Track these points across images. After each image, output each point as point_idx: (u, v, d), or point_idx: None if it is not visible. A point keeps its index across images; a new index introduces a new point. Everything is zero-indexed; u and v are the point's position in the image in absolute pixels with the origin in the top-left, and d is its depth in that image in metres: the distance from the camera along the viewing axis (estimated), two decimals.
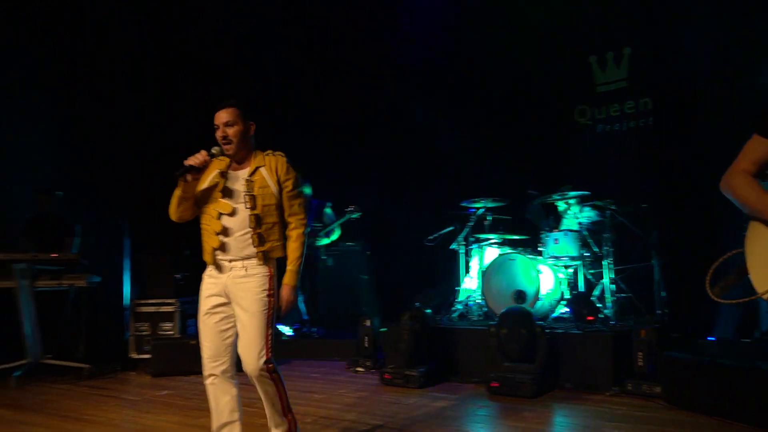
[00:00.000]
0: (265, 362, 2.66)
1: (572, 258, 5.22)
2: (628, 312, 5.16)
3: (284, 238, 2.81)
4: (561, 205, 5.65)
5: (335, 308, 6.95)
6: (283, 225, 2.82)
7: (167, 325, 6.11)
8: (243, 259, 2.71)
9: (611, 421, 3.62)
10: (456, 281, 5.93)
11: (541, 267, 5.28)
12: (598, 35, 6.65)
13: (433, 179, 7.18)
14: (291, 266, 2.77)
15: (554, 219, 5.63)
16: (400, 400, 4.25)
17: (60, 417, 3.99)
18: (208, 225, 2.75)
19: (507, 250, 5.60)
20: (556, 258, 5.26)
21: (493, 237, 5.75)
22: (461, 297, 5.78)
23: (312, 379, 5.18)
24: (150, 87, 7.48)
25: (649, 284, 5.20)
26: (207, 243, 2.76)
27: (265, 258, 2.72)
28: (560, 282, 5.33)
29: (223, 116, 2.74)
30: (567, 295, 5.32)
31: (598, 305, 5.04)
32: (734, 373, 3.63)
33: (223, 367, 2.73)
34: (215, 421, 2.76)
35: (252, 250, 2.71)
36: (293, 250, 2.79)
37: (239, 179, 2.77)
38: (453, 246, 5.89)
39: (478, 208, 5.81)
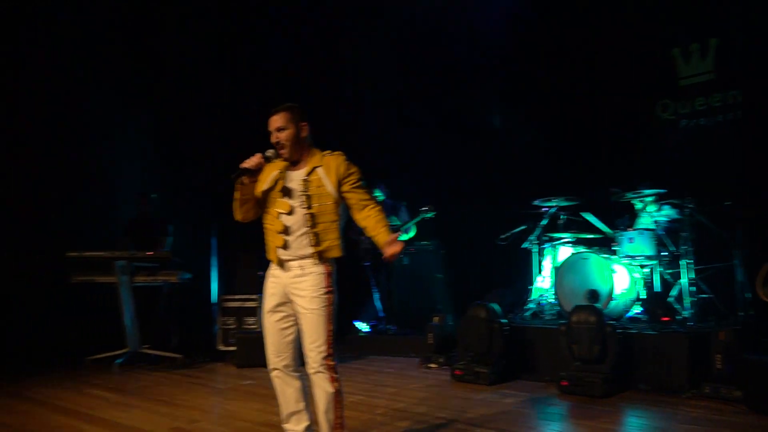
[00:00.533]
0: (325, 358, 2.74)
1: (648, 257, 5.11)
2: (708, 313, 4.99)
3: (341, 238, 2.86)
4: (637, 204, 5.53)
5: (410, 306, 7.09)
6: (341, 224, 2.87)
7: (251, 320, 6.48)
8: (300, 258, 2.80)
9: (686, 423, 3.56)
10: (529, 280, 5.94)
11: (616, 266, 5.21)
12: (682, 27, 6.43)
13: (506, 178, 7.18)
14: (383, 229, 2.80)
15: (629, 217, 5.52)
16: (470, 396, 4.35)
17: (155, 401, 4.37)
18: (271, 225, 2.87)
19: (581, 249, 5.55)
20: (631, 257, 5.17)
21: (566, 236, 5.71)
22: (534, 296, 5.78)
23: (385, 373, 5.36)
24: (232, 95, 7.90)
25: (731, 285, 5.01)
26: (270, 242, 2.88)
27: (320, 257, 2.79)
28: (636, 282, 5.23)
29: (275, 121, 2.84)
30: (643, 296, 5.21)
31: (675, 306, 4.92)
32: None
33: (285, 362, 2.87)
34: (283, 411, 2.92)
35: (309, 249, 2.79)
36: (378, 220, 2.82)
37: (296, 179, 2.85)
38: (525, 245, 5.89)
39: (550, 207, 5.78)
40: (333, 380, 2.77)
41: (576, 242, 5.73)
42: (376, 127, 8.19)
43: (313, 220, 2.79)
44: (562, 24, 6.99)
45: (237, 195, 2.89)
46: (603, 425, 3.57)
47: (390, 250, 2.75)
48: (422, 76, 8.06)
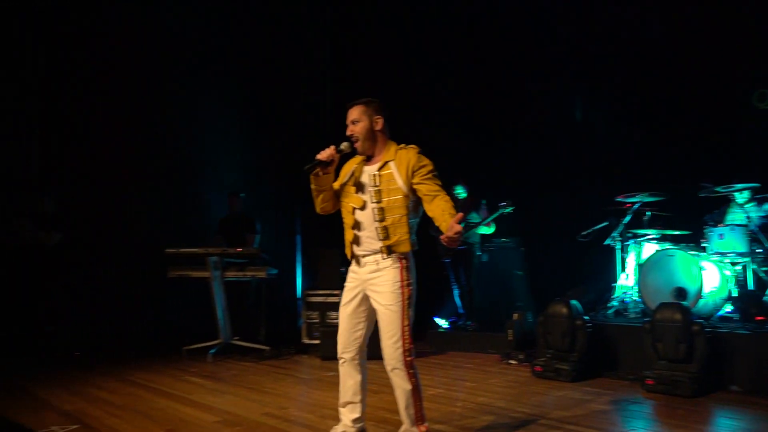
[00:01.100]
0: (402, 353, 2.78)
1: (740, 254, 4.91)
2: None
3: (412, 232, 2.86)
4: (738, 198, 5.29)
5: (490, 303, 7.10)
6: (412, 219, 2.88)
7: (333, 314, 6.67)
8: (373, 253, 2.86)
9: None
10: (612, 278, 5.82)
11: (705, 264, 5.03)
12: None
13: (588, 173, 7.05)
14: (448, 216, 2.71)
15: (719, 213, 5.30)
16: (551, 392, 4.34)
17: (247, 388, 4.63)
18: (345, 219, 2.96)
19: (667, 246, 5.39)
20: (722, 254, 4.98)
21: (651, 232, 5.56)
22: (617, 294, 5.66)
23: (465, 368, 5.41)
24: (324, 96, 8.15)
25: None
26: (345, 237, 2.97)
27: (389, 251, 2.82)
28: (727, 280, 5.03)
29: (350, 114, 2.92)
30: (735, 294, 5.00)
31: None
32: None
33: (351, 355, 2.97)
34: (341, 398, 3.04)
35: (378, 244, 2.83)
36: (445, 209, 2.75)
37: (369, 173, 2.90)
38: (607, 242, 5.78)
39: (634, 203, 5.64)
40: (410, 376, 2.81)
41: (661, 239, 5.56)
42: (455, 123, 8.25)
43: (382, 214, 2.83)
44: (647, 11, 6.78)
45: (312, 186, 2.98)
46: (691, 425, 3.48)
47: (448, 233, 2.65)
48: (498, 68, 8.03)
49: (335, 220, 3.08)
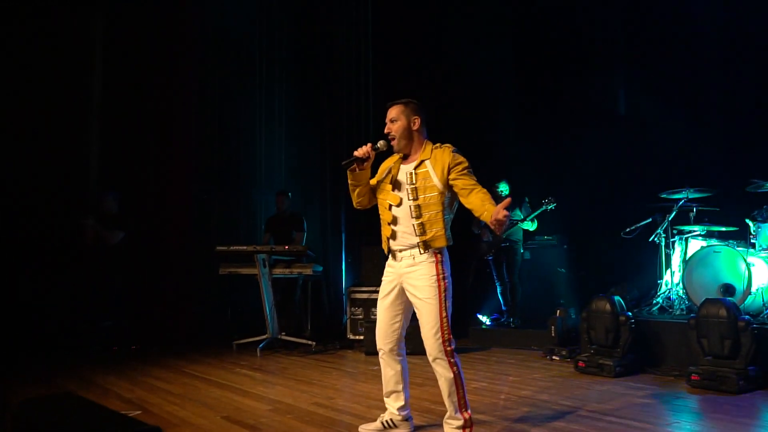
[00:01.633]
0: (442, 343, 2.88)
1: None
2: None
3: (447, 228, 2.97)
4: None
5: (533, 300, 7.13)
6: (447, 216, 2.99)
7: (377, 310, 6.83)
8: (410, 248, 2.97)
9: None
10: (657, 275, 5.79)
11: (753, 259, 4.97)
12: None
13: (633, 169, 7.00)
14: (489, 205, 2.80)
15: (767, 209, 5.22)
16: (593, 387, 4.37)
17: (294, 380, 4.81)
18: (382, 216, 3.11)
19: (713, 242, 5.34)
20: None
21: (697, 229, 5.51)
22: (662, 291, 5.63)
23: (507, 363, 5.48)
24: (362, 99, 8.31)
25: None
26: (382, 233, 3.11)
27: (426, 247, 2.93)
28: None
29: (389, 113, 3.08)
30: None
31: None
32: None
33: (390, 347, 3.11)
34: (384, 389, 3.20)
35: (415, 239, 2.95)
36: (484, 200, 2.84)
37: (405, 171, 3.04)
38: (652, 238, 5.75)
39: (679, 199, 5.60)
40: (452, 365, 2.92)
41: (708, 235, 5.51)
42: (498, 121, 8.30)
43: (419, 210, 2.95)
44: (691, 3, 6.69)
45: (349, 181, 3.14)
46: (737, 419, 3.48)
47: (495, 218, 2.71)
48: (541, 62, 8.04)
49: (378, 219, 3.20)
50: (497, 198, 6.89)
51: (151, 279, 7.15)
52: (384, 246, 3.15)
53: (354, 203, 3.26)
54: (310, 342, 6.36)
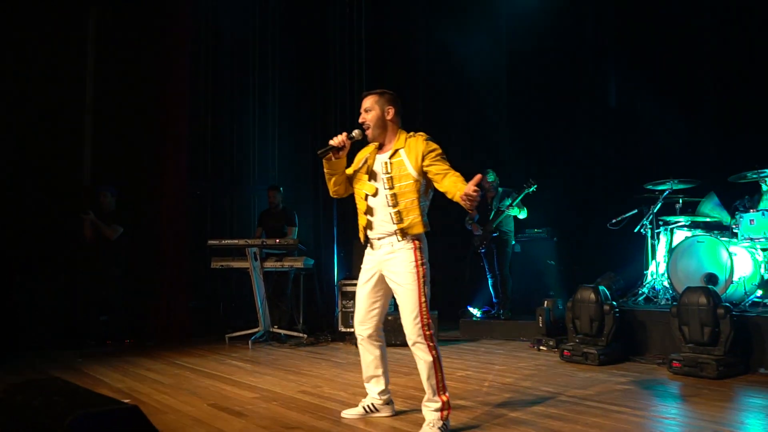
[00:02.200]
0: (421, 327, 2.94)
1: None
2: None
3: (423, 215, 3.02)
4: (765, 185, 5.28)
5: (523, 292, 7.21)
6: (423, 203, 3.04)
7: None
8: (388, 236, 3.03)
9: None
10: (643, 265, 5.86)
11: (736, 249, 5.04)
12: None
13: (622, 161, 7.07)
14: (461, 185, 2.82)
15: (750, 199, 5.29)
16: (577, 374, 4.44)
17: (284, 370, 4.88)
18: (358, 205, 3.17)
19: (698, 232, 5.41)
20: (752, 239, 4.98)
21: (682, 219, 5.58)
22: (647, 281, 5.70)
23: (496, 354, 5.55)
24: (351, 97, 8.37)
25: None
26: (359, 222, 3.18)
27: (403, 234, 2.99)
28: (759, 265, 5.03)
29: (363, 103, 3.15)
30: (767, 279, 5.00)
31: None
32: None
33: (368, 332, 3.20)
34: (364, 374, 3.29)
35: (392, 227, 3.01)
36: (456, 181, 2.87)
37: (381, 161, 3.09)
38: (637, 229, 5.82)
39: (664, 190, 5.67)
40: (431, 349, 2.98)
41: (692, 225, 5.58)
42: (487, 113, 8.37)
43: (395, 199, 3.02)
44: None
45: (325, 170, 3.20)
46: (716, 404, 3.54)
47: (465, 193, 2.73)
48: (533, 53, 8.10)
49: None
50: (486, 190, 6.98)
51: (146, 273, 7.21)
52: (361, 235, 3.21)
53: (330, 192, 3.33)
54: (301, 334, 6.44)
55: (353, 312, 6.70)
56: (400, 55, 8.56)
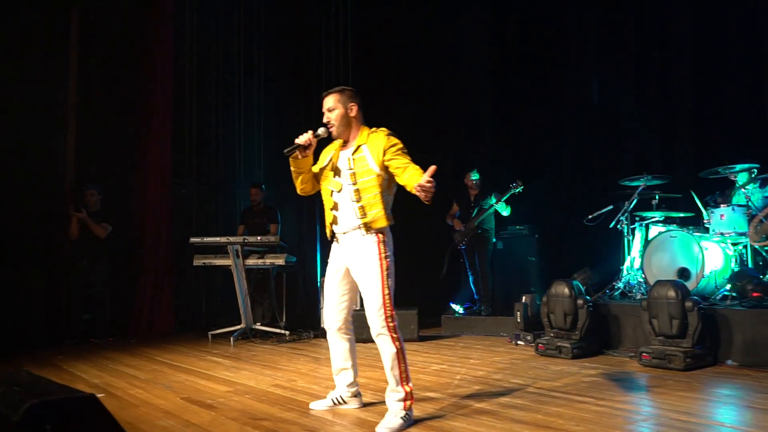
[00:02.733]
0: (385, 319, 2.99)
1: (740, 234, 4.98)
2: None
3: (387, 209, 3.07)
4: (740, 180, 5.35)
5: (505, 289, 7.27)
6: (386, 197, 3.09)
7: None
8: (352, 230, 3.09)
9: (761, 393, 3.53)
10: (620, 260, 5.93)
11: (707, 244, 5.11)
12: None
13: (601, 159, 7.15)
14: (418, 176, 2.82)
15: (720, 194, 5.36)
16: (548, 367, 4.51)
17: (261, 365, 4.93)
18: (325, 202, 3.23)
19: (672, 228, 5.48)
20: (723, 234, 5.06)
21: (656, 215, 5.66)
22: (624, 276, 5.77)
23: (473, 349, 5.61)
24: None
25: None
26: (325, 218, 3.24)
27: (367, 228, 3.05)
28: (729, 259, 5.10)
29: (325, 102, 3.19)
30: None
31: None
32: None
33: (337, 325, 3.26)
34: (333, 366, 3.36)
35: (357, 221, 3.07)
36: (414, 174, 2.89)
37: (344, 158, 3.16)
38: (612, 224, 5.89)
39: (638, 187, 5.74)
40: (394, 340, 3.04)
41: (667, 221, 5.65)
42: (471, 113, 8.44)
43: (358, 194, 3.08)
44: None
45: (292, 168, 3.26)
46: (678, 393, 3.60)
47: (419, 184, 2.77)
48: (517, 52, 8.17)
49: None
50: (469, 188, 7.05)
51: (130, 272, 7.25)
52: (327, 231, 3.27)
53: (298, 190, 3.38)
54: (283, 331, 6.48)
55: None
56: (385, 54, 8.61)
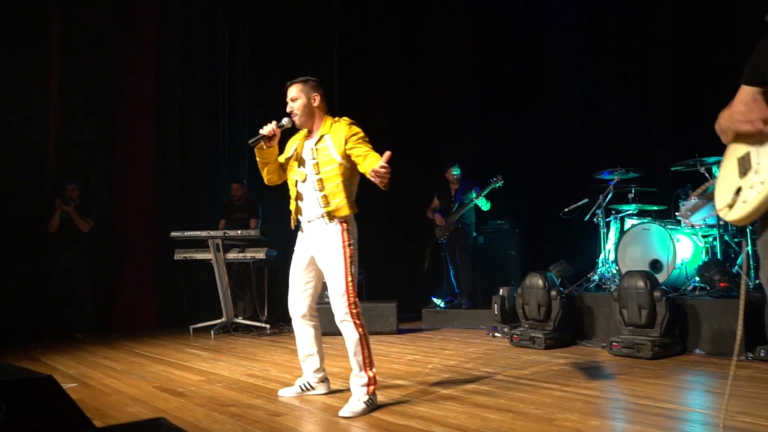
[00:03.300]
0: (348, 306, 3.04)
1: (710, 226, 5.06)
2: None
3: (350, 198, 3.12)
4: (713, 172, 5.43)
5: (486, 282, 7.33)
6: (349, 186, 3.13)
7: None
8: (316, 219, 3.14)
9: (734, 380, 3.59)
10: (596, 253, 6.00)
11: (679, 236, 5.19)
12: None
13: (578, 153, 7.22)
14: (375, 163, 2.88)
15: (691, 187, 5.43)
16: (520, 357, 4.57)
17: (238, 357, 4.97)
18: (290, 192, 3.28)
19: (645, 220, 5.55)
20: (693, 226, 5.13)
21: (630, 208, 5.73)
22: (599, 268, 5.84)
23: (450, 340, 5.67)
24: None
25: None
26: (291, 208, 3.28)
27: (331, 217, 3.09)
28: (700, 251, 5.18)
29: (289, 92, 3.24)
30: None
31: (738, 272, 4.84)
32: None
33: (302, 312, 3.32)
34: (300, 353, 3.41)
35: (320, 210, 3.11)
36: (372, 161, 2.94)
37: (308, 148, 3.20)
38: (587, 218, 5.96)
39: (612, 180, 5.81)
40: (357, 326, 3.09)
41: (640, 214, 5.73)
42: (453, 108, 8.50)
43: (321, 184, 3.12)
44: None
45: (258, 159, 3.30)
46: (642, 380, 3.66)
47: (373, 170, 2.83)
48: (499, 48, 8.23)
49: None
50: (450, 183, 7.11)
51: (112, 266, 7.27)
52: (292, 220, 3.32)
53: (264, 180, 3.43)
54: (264, 325, 6.52)
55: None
56: (369, 51, 8.67)
